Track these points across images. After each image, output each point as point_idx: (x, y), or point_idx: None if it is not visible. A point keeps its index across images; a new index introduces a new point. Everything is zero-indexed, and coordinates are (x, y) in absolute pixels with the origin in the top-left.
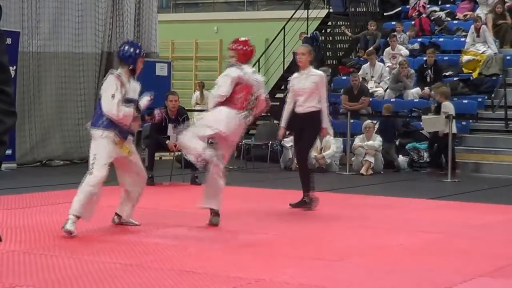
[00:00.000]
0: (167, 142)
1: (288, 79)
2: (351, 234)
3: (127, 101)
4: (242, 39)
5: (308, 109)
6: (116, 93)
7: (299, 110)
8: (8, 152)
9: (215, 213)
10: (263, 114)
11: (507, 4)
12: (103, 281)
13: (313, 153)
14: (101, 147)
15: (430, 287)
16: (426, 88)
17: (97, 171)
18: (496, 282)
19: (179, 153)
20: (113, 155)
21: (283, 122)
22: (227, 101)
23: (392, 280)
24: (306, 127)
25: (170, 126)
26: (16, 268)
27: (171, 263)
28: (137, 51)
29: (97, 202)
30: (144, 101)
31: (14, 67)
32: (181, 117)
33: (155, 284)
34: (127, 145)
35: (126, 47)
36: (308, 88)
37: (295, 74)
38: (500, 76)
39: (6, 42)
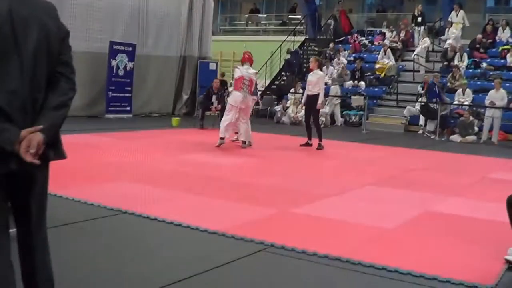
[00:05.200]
0: (211, 107)
1: (283, 73)
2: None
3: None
4: (246, 52)
5: (313, 93)
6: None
7: (309, 93)
8: (128, 108)
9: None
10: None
11: (401, 38)
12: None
13: (291, 114)
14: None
15: (339, 190)
16: (355, 82)
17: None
18: (380, 187)
19: (218, 112)
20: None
21: (303, 100)
22: (235, 86)
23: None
24: (312, 103)
25: (214, 97)
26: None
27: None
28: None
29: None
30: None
31: (133, 63)
32: (220, 91)
33: None
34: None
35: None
36: (313, 81)
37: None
38: (395, 76)
39: (129, 49)
